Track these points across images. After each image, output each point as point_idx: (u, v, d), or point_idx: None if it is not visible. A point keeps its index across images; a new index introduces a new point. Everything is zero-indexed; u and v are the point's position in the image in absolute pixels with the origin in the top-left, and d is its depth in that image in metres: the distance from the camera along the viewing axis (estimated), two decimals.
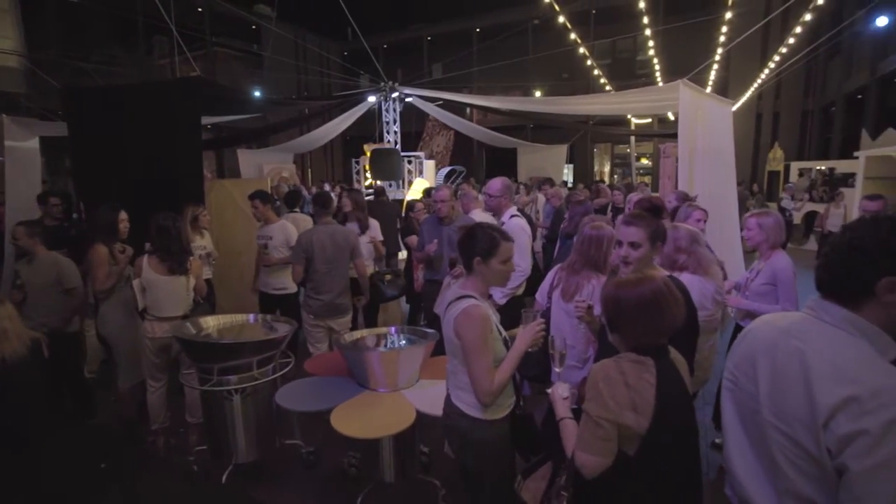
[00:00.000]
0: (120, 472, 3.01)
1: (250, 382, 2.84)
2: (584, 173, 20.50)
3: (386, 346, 3.01)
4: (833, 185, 11.64)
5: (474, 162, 20.34)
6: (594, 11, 18.29)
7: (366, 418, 2.48)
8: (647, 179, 15.97)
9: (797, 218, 11.33)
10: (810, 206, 11.50)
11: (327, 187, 13.51)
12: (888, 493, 0.96)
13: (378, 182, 9.11)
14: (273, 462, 3.19)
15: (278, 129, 11.38)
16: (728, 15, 7.14)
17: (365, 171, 10.69)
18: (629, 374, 1.39)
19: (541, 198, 7.63)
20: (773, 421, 1.14)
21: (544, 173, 12.21)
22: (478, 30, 21.06)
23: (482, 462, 1.93)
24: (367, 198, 6.27)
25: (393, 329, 3.18)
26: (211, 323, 3.20)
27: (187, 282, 3.42)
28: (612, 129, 16.21)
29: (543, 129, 17.76)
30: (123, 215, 3.56)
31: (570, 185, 15.56)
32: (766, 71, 10.19)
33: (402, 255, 6.24)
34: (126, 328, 3.50)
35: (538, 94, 17.67)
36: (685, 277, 2.32)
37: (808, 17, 6.89)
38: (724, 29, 7.48)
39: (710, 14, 10.36)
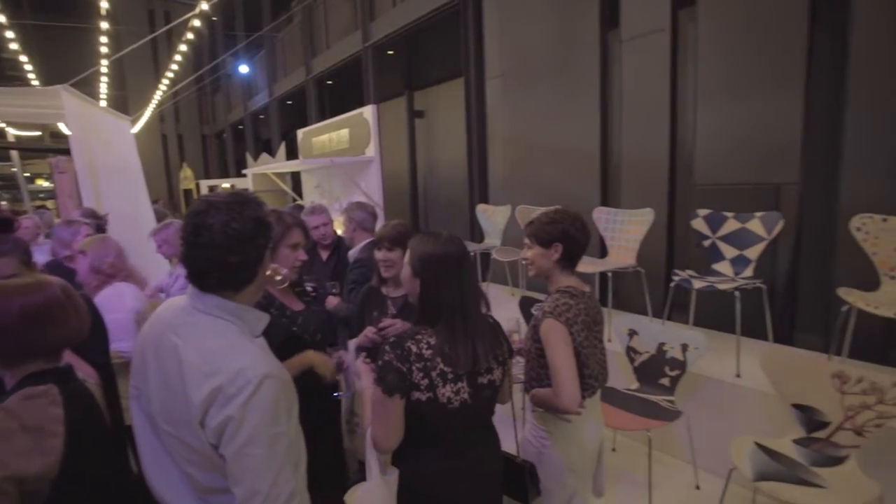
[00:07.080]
0: None
1: None
2: None
3: None
4: None
5: None
6: None
7: None
8: (49, 203, 13.47)
9: None
10: None
11: None
12: (257, 465, 0.99)
13: None
14: None
15: None
16: (105, 25, 6.88)
17: None
18: (26, 415, 1.11)
19: None
20: (166, 428, 1.09)
21: None
22: None
23: None
24: None
25: None
26: None
27: None
28: None
29: None
30: None
31: None
32: (159, 95, 10.62)
33: None
34: None
35: None
36: (120, 285, 2.35)
37: (183, 47, 7.64)
38: (105, 40, 7.16)
39: (88, 21, 9.65)
